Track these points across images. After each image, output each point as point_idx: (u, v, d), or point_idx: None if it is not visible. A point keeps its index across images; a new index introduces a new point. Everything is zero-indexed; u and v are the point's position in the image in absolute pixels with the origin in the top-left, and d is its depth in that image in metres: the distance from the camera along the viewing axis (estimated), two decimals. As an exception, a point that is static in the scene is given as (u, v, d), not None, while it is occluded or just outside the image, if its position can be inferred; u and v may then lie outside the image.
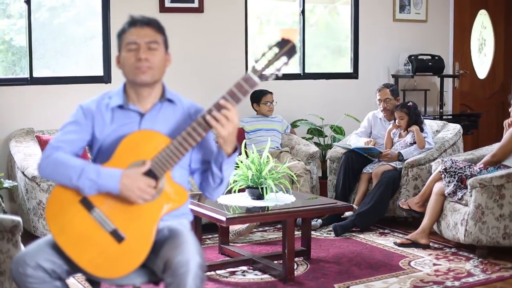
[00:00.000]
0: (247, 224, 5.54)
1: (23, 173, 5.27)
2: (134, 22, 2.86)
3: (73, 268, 2.73)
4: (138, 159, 2.74)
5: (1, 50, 6.22)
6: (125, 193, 2.68)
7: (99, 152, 2.91)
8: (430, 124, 6.51)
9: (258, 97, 6.67)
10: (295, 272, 4.67)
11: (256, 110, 6.71)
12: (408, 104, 6.16)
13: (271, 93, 6.71)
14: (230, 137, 2.74)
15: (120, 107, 2.90)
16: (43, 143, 5.66)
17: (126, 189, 2.68)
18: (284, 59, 2.70)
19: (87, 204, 2.73)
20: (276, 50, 2.70)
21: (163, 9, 6.58)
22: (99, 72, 6.44)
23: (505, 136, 5.24)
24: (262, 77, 2.71)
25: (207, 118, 2.70)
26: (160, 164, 2.72)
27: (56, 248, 2.72)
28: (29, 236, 5.04)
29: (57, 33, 6.41)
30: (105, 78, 6.39)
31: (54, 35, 6.39)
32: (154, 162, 2.73)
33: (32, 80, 6.11)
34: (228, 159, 2.82)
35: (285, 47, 2.70)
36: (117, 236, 2.71)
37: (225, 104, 2.69)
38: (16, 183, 5.28)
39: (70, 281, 4.24)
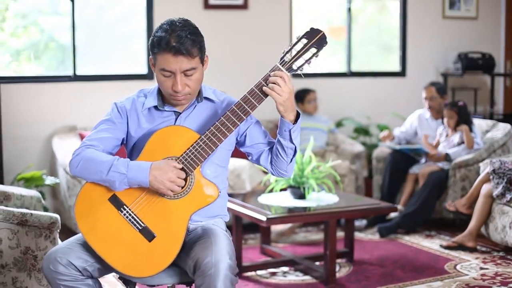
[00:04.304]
0: (289, 224, 5.48)
1: (65, 170, 5.28)
2: (167, 48, 2.66)
3: (106, 267, 2.70)
4: (168, 154, 2.68)
5: (51, 48, 6.26)
6: (155, 185, 2.62)
7: (133, 150, 2.87)
8: (479, 124, 6.34)
9: (302, 96, 6.60)
10: (337, 274, 4.60)
11: (300, 109, 6.63)
12: (459, 103, 6.00)
13: (314, 91, 6.63)
14: (288, 102, 2.65)
15: (156, 107, 2.85)
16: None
17: (156, 181, 2.62)
18: (313, 50, 2.61)
19: (116, 203, 2.69)
20: (304, 41, 2.62)
21: (207, 6, 6.53)
22: (143, 69, 6.43)
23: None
24: (291, 69, 2.63)
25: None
26: (189, 160, 2.66)
27: (87, 246, 2.69)
28: (70, 233, 5.07)
29: (102, 31, 6.44)
30: (149, 76, 6.38)
31: (99, 33, 6.42)
32: (183, 158, 2.67)
33: (76, 78, 6.13)
34: (295, 126, 2.72)
35: (315, 38, 2.61)
36: (148, 235, 2.67)
37: (275, 74, 2.62)
38: (58, 180, 5.31)
39: (107, 279, 4.23)
